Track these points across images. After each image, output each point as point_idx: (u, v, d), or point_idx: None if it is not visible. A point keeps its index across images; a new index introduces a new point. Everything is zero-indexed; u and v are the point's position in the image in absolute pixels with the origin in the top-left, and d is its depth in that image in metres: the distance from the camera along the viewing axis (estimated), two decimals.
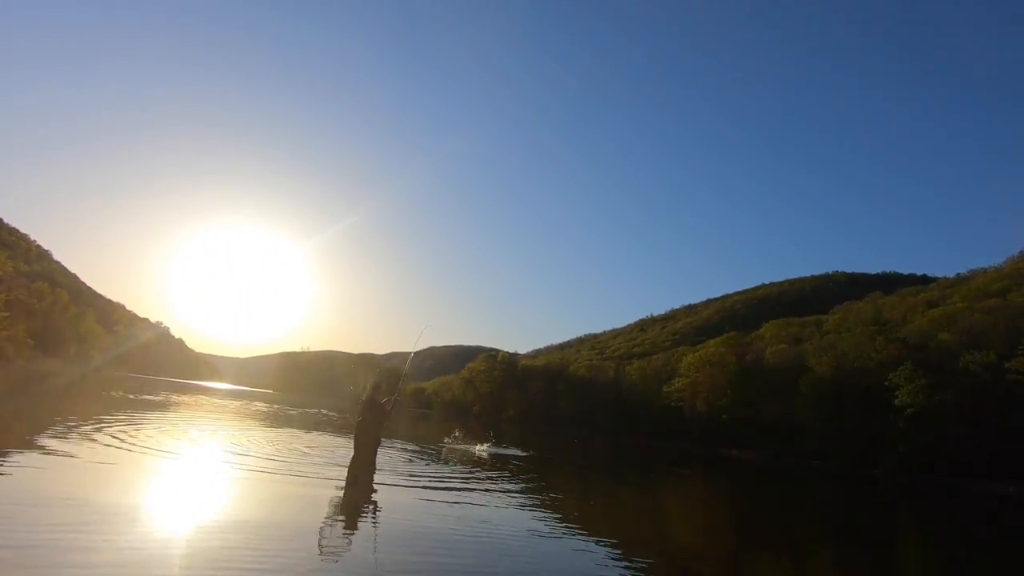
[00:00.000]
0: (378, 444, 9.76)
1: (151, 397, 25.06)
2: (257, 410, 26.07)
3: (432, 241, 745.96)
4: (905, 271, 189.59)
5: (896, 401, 46.11)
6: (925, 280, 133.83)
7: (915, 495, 24.56)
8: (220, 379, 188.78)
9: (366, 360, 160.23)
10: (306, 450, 11.14)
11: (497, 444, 20.08)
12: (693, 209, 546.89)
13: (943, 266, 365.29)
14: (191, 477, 7.12)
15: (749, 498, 15.86)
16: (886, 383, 48.09)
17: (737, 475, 25.75)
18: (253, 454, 9.48)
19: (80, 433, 9.20)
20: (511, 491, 9.40)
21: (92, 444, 8.24)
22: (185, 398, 29.52)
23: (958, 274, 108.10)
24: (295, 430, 16.39)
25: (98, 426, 10.42)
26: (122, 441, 8.82)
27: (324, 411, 33.69)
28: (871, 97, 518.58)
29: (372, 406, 9.32)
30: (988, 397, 42.23)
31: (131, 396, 23.50)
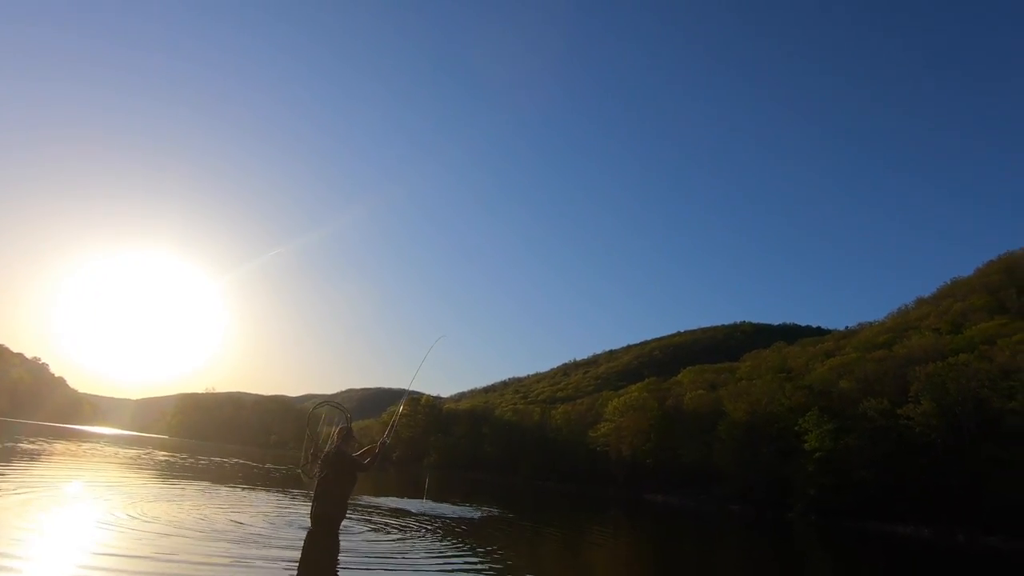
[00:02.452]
0: (344, 513, 7.21)
1: (10, 444, 21.27)
2: (161, 461, 22.78)
3: (353, 278, 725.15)
4: (803, 323, 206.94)
5: (805, 446, 48.58)
6: (820, 332, 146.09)
7: (817, 538, 25.33)
8: (104, 423, 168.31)
9: (280, 402, 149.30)
10: (231, 521, 7.74)
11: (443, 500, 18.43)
12: (616, 256, 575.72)
13: (833, 319, 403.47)
14: None
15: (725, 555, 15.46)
16: (796, 428, 50.72)
17: (696, 523, 25.52)
18: (143, 539, 5.93)
19: None
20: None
21: None
22: (60, 445, 25.43)
23: (847, 327, 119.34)
24: (220, 487, 12.85)
25: None
26: None
27: (241, 461, 30.42)
28: (783, 167, 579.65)
29: (340, 460, 6.85)
30: (884, 441, 45.44)
31: None
